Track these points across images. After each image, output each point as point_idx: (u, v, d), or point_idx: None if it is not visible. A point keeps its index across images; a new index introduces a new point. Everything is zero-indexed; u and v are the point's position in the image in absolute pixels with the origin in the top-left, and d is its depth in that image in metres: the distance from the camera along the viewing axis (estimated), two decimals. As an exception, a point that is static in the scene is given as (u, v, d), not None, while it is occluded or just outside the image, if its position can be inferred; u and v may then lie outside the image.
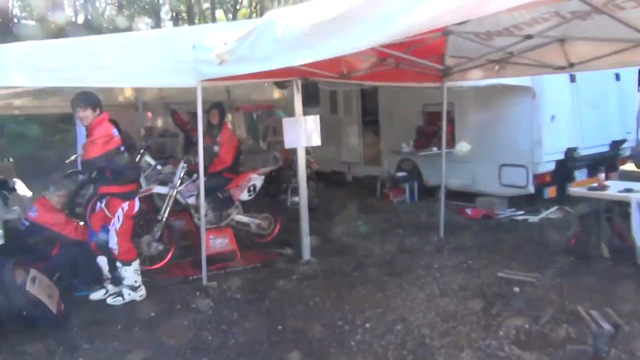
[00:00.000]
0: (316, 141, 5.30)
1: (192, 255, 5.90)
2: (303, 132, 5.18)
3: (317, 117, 5.37)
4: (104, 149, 4.32)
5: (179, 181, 5.58)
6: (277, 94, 12.97)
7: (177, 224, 6.55)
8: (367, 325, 4.04)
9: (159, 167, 6.78)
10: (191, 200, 5.64)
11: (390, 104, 9.47)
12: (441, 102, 6.31)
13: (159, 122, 12.70)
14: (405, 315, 4.17)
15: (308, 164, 8.59)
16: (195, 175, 5.59)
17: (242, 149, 7.99)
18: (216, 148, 5.87)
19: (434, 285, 4.85)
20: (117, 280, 4.70)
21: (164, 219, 5.49)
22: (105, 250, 4.61)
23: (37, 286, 4.05)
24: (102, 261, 4.69)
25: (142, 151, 6.85)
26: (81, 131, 13.89)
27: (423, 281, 4.98)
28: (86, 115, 4.26)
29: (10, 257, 4.12)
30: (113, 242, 4.52)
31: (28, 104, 9.92)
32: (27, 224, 4.79)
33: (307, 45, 3.21)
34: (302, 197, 5.43)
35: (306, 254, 5.54)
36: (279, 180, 8.47)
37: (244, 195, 6.01)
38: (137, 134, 10.66)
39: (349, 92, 10.28)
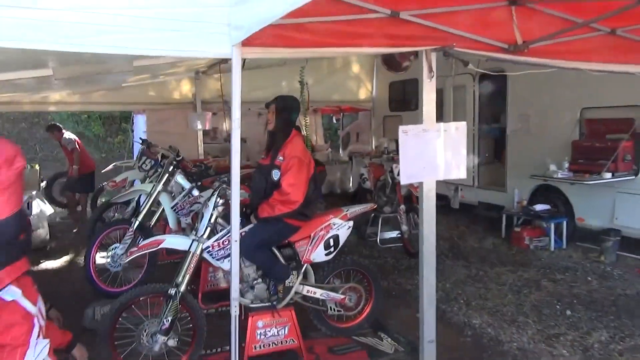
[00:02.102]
0: (462, 171, 2.73)
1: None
2: (436, 153, 2.63)
3: (464, 125, 2.83)
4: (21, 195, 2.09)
5: (207, 230, 3.20)
6: (363, 92, 10.42)
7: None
8: None
9: (194, 193, 4.49)
10: (226, 265, 3.22)
11: (528, 105, 6.71)
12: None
13: (222, 125, 10.84)
14: None
15: (409, 190, 6.13)
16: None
17: (318, 164, 5.65)
18: (276, 174, 3.35)
19: None
20: None
21: (180, 293, 3.14)
22: None
23: None
24: None
25: (171, 168, 4.63)
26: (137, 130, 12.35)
27: None
28: None
29: None
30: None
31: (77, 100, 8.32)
32: None
33: None
34: (427, 282, 2.82)
35: (429, 377, 2.97)
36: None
37: (319, 255, 3.48)
38: (195, 139, 8.90)
39: (461, 88, 7.64)
